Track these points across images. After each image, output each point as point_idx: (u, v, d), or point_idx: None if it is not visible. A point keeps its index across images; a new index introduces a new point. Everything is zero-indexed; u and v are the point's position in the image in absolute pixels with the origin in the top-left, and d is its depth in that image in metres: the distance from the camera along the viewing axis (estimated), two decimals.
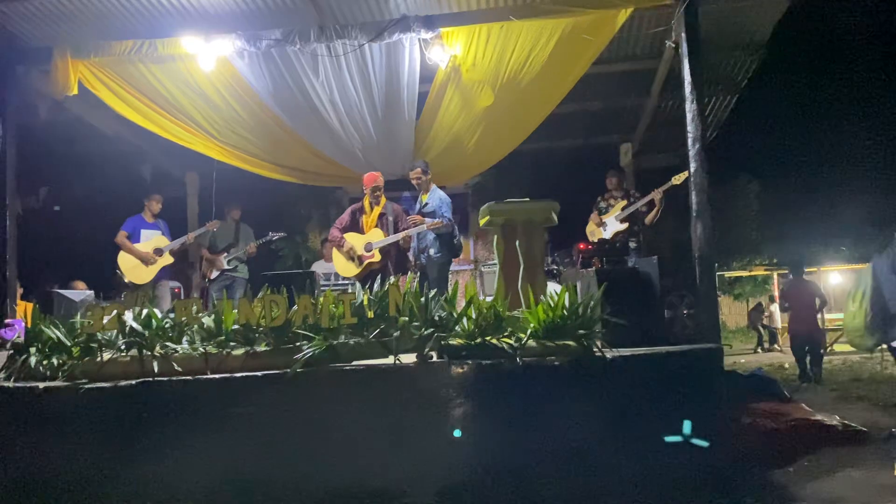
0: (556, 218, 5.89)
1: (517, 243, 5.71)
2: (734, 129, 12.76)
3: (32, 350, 5.26)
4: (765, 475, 4.53)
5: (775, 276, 20.25)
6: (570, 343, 4.70)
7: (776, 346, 16.25)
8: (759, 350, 16.19)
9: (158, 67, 6.83)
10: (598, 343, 4.73)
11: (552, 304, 4.82)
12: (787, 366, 10.46)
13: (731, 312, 24.26)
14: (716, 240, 5.81)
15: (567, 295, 4.84)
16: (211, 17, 6.34)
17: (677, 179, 6.71)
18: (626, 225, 7.47)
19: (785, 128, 22.92)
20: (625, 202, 7.59)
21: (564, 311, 4.81)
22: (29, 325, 5.40)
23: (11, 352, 5.45)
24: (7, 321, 5.69)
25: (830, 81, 22.08)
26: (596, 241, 7.57)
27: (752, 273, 21.92)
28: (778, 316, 16.16)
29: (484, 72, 6.73)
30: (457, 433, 4.44)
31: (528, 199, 5.86)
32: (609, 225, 7.59)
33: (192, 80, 6.96)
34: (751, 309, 15.00)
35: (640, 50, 7.69)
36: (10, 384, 5.15)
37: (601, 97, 8.81)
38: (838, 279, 19.92)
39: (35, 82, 7.04)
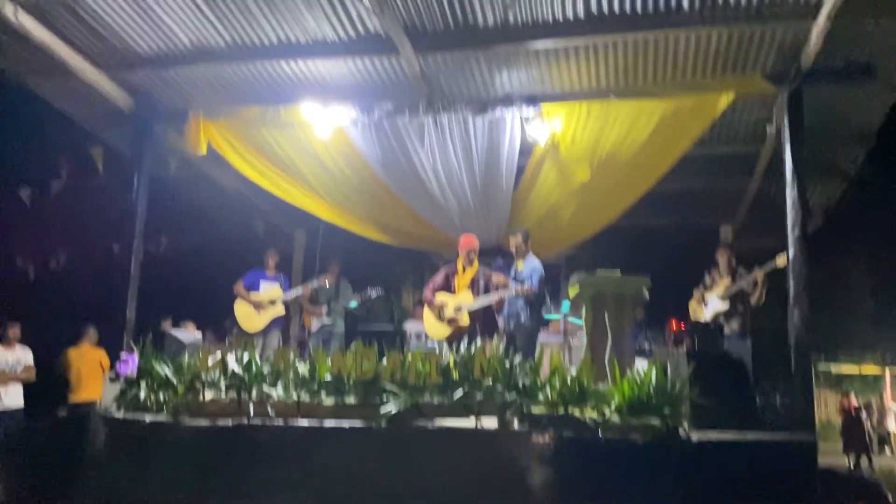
0: (647, 294, 5.89)
1: (606, 316, 5.74)
2: (848, 217, 12.32)
3: (142, 384, 5.68)
4: None
5: (887, 374, 18.96)
6: (655, 422, 4.65)
7: (888, 451, 15.08)
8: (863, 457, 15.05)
9: (279, 132, 7.38)
10: (684, 424, 4.66)
11: (638, 381, 4.80)
12: None
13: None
14: (815, 329, 5.64)
15: (654, 372, 4.81)
16: (330, 88, 6.86)
17: (781, 261, 6.54)
18: (727, 304, 7.25)
19: None
20: (729, 281, 7.39)
21: (651, 389, 4.77)
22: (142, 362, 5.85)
23: (125, 385, 5.92)
24: (123, 356, 6.17)
25: None
26: (693, 320, 7.41)
27: (862, 371, 20.59)
28: (893, 419, 15.05)
29: (582, 148, 6.90)
30: None
31: (619, 271, 5.89)
32: (710, 303, 7.40)
33: (308, 145, 7.46)
34: (854, 407, 14.03)
35: (742, 133, 7.66)
36: (121, 415, 5.58)
37: (701, 178, 8.77)
38: None
39: (169, 140, 7.75)
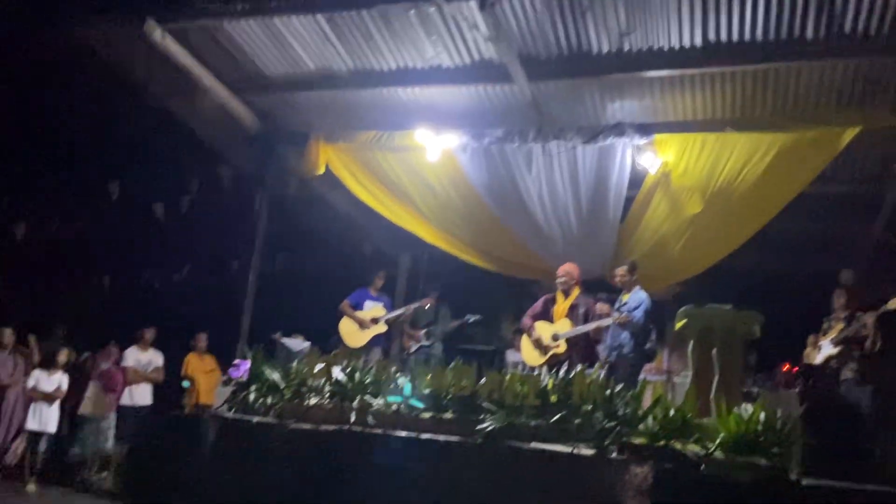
0: (758, 331, 5.64)
1: (714, 352, 5.53)
2: None
3: (252, 388, 5.98)
4: None
5: None
6: (761, 461, 4.44)
7: None
8: None
9: (392, 155, 7.67)
10: (793, 467, 4.42)
11: (745, 417, 4.61)
12: None
13: None
14: None
15: (763, 410, 4.61)
16: (443, 113, 7.08)
17: (893, 304, 6.15)
18: (839, 349, 6.87)
19: None
20: (843, 325, 7.01)
21: (758, 427, 4.57)
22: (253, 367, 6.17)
23: (235, 388, 6.25)
24: (236, 361, 6.52)
25: None
26: (805, 364, 7.04)
27: None
28: None
29: (695, 179, 6.76)
30: None
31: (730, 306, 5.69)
32: (823, 348, 7.03)
33: (419, 168, 7.70)
34: None
35: (867, 171, 7.30)
36: (230, 415, 5.89)
37: (820, 218, 8.37)
38: None
39: (289, 161, 8.19)
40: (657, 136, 6.50)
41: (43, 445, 7.10)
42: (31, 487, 6.90)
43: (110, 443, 7.48)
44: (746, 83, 6.09)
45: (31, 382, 7.20)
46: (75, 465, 7.79)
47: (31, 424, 7.08)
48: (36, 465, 7.01)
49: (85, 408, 7.55)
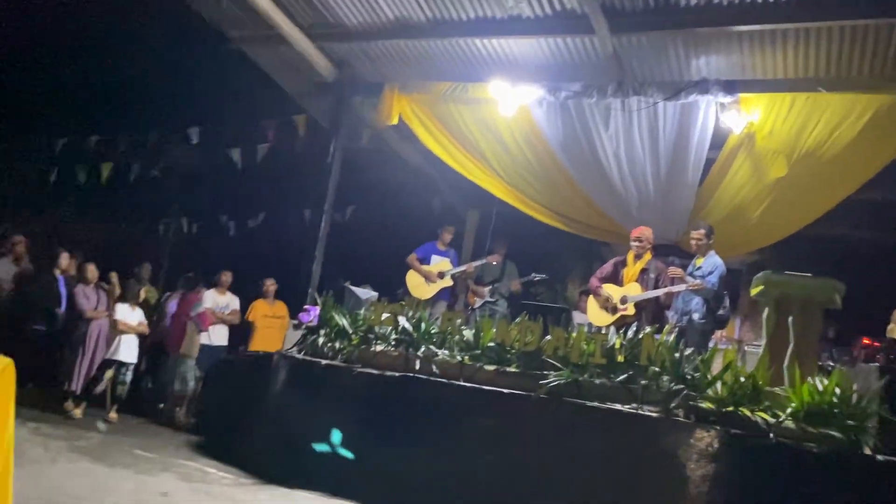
0: (839, 301, 5.42)
1: (790, 320, 5.34)
2: None
3: (321, 332, 6.14)
4: None
5: None
6: (835, 433, 4.30)
7: None
8: None
9: (466, 108, 7.60)
10: (869, 441, 4.27)
11: (820, 388, 4.47)
12: None
13: None
14: None
15: (837, 381, 4.45)
16: (520, 66, 6.95)
17: None
18: None
19: None
20: None
21: (833, 399, 4.43)
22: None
23: (306, 332, 6.42)
24: (306, 307, 6.68)
25: None
26: (890, 338, 6.74)
27: None
28: None
29: (781, 142, 6.47)
30: None
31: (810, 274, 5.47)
32: None
33: (492, 123, 7.62)
34: None
35: None
36: (300, 356, 6.06)
37: None
38: None
39: (363, 111, 8.22)
40: (743, 95, 6.22)
41: (125, 377, 7.46)
42: (113, 416, 7.29)
43: (192, 381, 7.85)
44: (844, 40, 5.73)
45: (116, 315, 7.55)
46: (153, 399, 8.20)
47: (116, 355, 7.44)
48: (118, 395, 7.38)
49: (185, 347, 7.91)
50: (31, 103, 12.64)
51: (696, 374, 4.77)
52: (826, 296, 5.41)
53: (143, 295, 8.21)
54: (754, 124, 6.40)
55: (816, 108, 6.15)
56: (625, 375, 4.83)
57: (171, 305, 8.63)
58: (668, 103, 6.53)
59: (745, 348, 9.19)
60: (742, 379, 4.63)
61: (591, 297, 6.97)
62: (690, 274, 6.66)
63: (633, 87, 6.49)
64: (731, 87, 6.15)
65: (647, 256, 6.81)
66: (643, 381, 4.77)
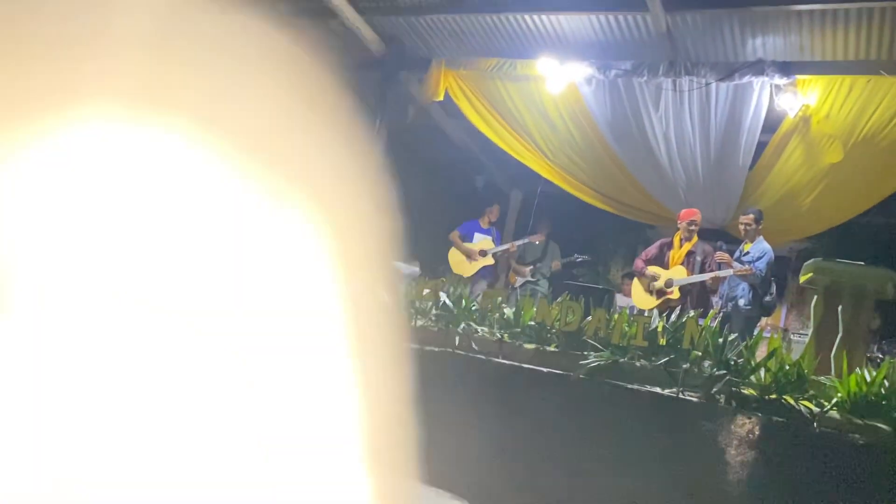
0: (892, 292, 5.28)
1: (839, 308, 5.23)
2: None
3: None
4: None
5: None
6: (881, 425, 4.21)
7: None
8: None
9: (513, 84, 7.55)
10: None
11: (868, 378, 4.36)
12: None
13: None
14: None
15: (887, 373, 4.34)
16: (569, 43, 6.86)
17: None
18: None
19: None
20: None
21: (882, 390, 4.32)
22: None
23: None
24: None
25: None
26: None
27: None
28: None
29: (837, 126, 6.28)
30: None
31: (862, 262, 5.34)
32: None
33: (539, 100, 7.55)
34: None
35: None
36: None
37: None
38: None
39: (410, 87, 8.22)
40: (799, 77, 6.05)
41: None
42: None
43: None
44: None
45: None
46: None
47: None
48: None
49: None
50: None
51: (739, 360, 4.70)
52: (879, 286, 5.30)
53: None
54: (810, 108, 6.23)
55: (877, 92, 5.96)
56: (666, 359, 4.78)
57: None
58: (721, 84, 6.38)
59: (791, 337, 9.03)
60: (787, 367, 4.54)
61: (635, 279, 6.92)
62: (738, 259, 6.55)
63: (686, 66, 6.36)
64: (787, 68, 5.98)
65: (695, 239, 6.71)
66: (685, 365, 4.71)
